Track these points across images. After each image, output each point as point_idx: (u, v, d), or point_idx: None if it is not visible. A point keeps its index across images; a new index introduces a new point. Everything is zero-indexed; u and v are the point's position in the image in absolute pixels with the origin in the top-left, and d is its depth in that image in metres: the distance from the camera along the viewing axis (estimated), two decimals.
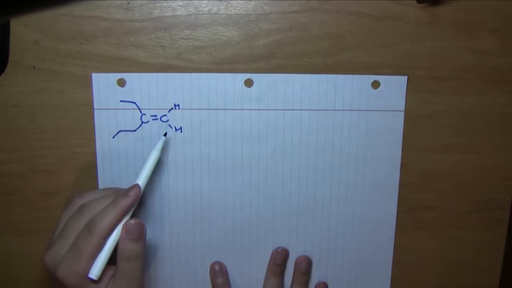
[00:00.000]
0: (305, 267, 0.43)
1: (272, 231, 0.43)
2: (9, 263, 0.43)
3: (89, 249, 0.34)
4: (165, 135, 0.40)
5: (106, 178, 0.41)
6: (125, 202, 0.35)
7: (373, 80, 0.41)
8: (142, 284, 0.36)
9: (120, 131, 0.40)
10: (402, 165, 0.43)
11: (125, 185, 0.41)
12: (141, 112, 0.40)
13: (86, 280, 0.34)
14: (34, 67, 0.39)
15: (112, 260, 0.35)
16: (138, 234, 0.35)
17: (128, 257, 0.35)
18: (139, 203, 0.41)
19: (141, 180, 0.37)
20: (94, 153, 0.41)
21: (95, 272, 0.34)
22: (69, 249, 0.34)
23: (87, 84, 0.40)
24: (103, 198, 0.36)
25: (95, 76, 0.39)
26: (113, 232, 0.35)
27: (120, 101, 0.40)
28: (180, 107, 0.40)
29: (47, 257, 0.35)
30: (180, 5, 0.39)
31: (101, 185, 0.41)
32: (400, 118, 0.42)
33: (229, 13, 0.40)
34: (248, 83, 0.40)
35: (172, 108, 0.40)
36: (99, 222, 0.34)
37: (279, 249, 0.43)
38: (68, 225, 0.35)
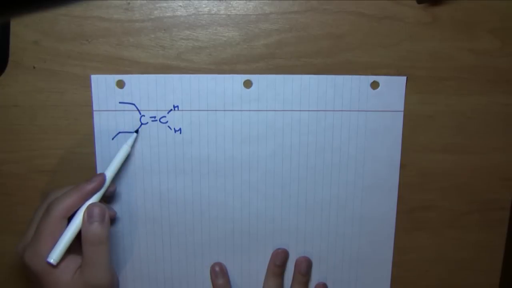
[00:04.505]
0: (305, 268, 0.43)
1: (272, 232, 0.43)
2: (9, 263, 0.43)
3: (47, 230, 0.34)
4: (136, 131, 0.40)
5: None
6: (86, 186, 0.35)
7: (372, 80, 0.41)
8: (111, 271, 0.36)
9: (119, 132, 0.40)
10: (402, 165, 0.43)
11: (124, 187, 0.41)
12: (140, 113, 0.40)
13: (47, 265, 0.34)
14: (34, 67, 0.39)
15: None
16: (100, 217, 0.35)
17: (91, 241, 0.34)
18: (140, 204, 0.41)
19: (108, 171, 0.38)
20: (94, 154, 0.41)
21: (53, 256, 0.33)
22: (34, 233, 0.35)
23: (87, 85, 0.40)
24: (69, 187, 0.36)
25: (94, 78, 0.39)
26: (76, 217, 0.35)
27: (119, 102, 0.40)
28: (179, 108, 0.40)
29: (18, 246, 0.36)
30: (180, 6, 0.39)
31: None
32: (399, 119, 0.42)
33: (229, 13, 0.40)
34: (247, 84, 0.40)
35: (171, 110, 0.40)
36: (57, 203, 0.34)
37: (279, 250, 0.43)
38: (35, 212, 0.36)
